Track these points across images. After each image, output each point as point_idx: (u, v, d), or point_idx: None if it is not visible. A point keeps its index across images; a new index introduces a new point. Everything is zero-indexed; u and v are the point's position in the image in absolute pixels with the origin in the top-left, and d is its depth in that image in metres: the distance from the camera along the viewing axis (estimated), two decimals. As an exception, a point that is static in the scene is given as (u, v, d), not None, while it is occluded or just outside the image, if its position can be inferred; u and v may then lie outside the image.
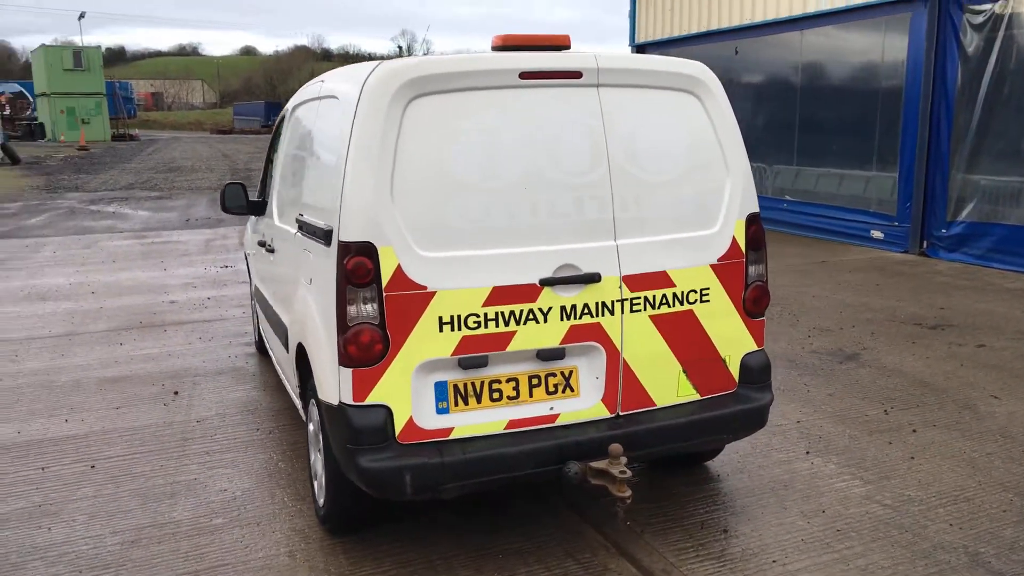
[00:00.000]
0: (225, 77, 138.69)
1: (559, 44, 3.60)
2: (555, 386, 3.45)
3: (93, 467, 4.53)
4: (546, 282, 3.34)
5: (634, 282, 3.49)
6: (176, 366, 6.35)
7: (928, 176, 10.83)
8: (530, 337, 3.35)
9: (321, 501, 3.79)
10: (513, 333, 3.32)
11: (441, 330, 3.24)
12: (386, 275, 3.17)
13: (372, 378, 3.20)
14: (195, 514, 3.98)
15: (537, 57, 3.42)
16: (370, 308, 3.18)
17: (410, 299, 3.20)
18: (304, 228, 3.81)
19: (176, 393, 5.71)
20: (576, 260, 3.39)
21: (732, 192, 3.72)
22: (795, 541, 3.67)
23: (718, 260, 3.68)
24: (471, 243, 3.28)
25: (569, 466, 3.30)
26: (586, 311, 3.42)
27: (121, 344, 6.99)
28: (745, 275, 3.76)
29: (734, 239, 3.72)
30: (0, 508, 4.07)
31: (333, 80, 3.96)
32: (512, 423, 3.37)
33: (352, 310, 3.17)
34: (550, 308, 3.36)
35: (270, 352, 5.48)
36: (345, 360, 3.19)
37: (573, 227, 3.42)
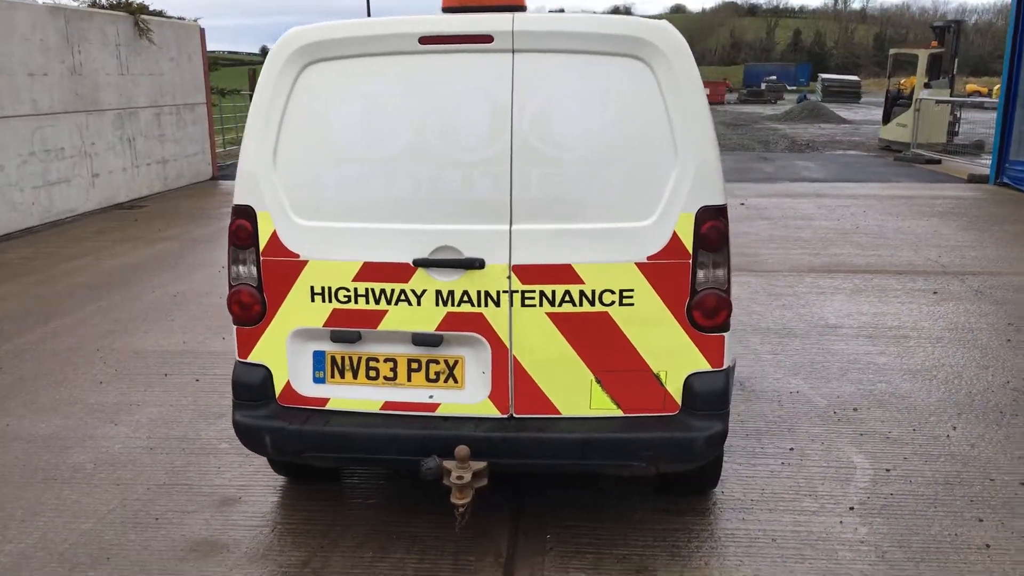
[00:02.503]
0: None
1: (516, 5, 3.27)
2: (436, 374, 3.24)
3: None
4: (420, 263, 3.13)
5: (527, 273, 3.10)
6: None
7: None
8: (403, 319, 3.18)
9: None
10: (384, 312, 3.18)
11: (313, 300, 3.23)
12: (263, 240, 3.23)
13: (253, 338, 3.31)
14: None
15: (441, 20, 3.16)
16: (250, 270, 3.27)
17: (284, 265, 3.23)
18: None
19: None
20: (457, 242, 3.12)
21: (679, 180, 3.08)
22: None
23: (648, 258, 3.10)
24: (347, 215, 3.19)
25: (426, 461, 3.10)
26: (466, 299, 3.14)
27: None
28: (691, 279, 3.12)
29: (675, 235, 3.09)
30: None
31: None
32: (388, 404, 3.25)
33: (235, 270, 3.30)
34: (424, 291, 3.15)
35: None
36: (232, 318, 3.34)
37: (459, 206, 3.13)
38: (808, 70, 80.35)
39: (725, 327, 3.18)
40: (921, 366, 5.43)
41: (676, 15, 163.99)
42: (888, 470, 4.03)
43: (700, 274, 3.12)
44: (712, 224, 3.10)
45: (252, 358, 3.33)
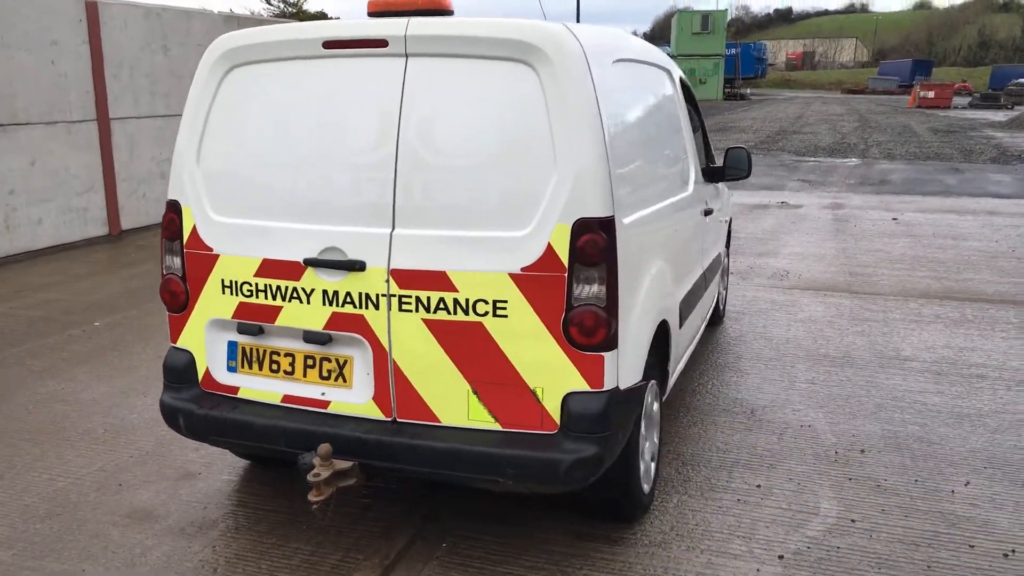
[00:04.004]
0: (883, 33, 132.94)
1: (439, 8, 3.29)
2: (328, 372, 3.30)
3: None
4: (309, 262, 3.21)
5: (404, 278, 3.10)
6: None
7: None
8: (295, 316, 3.27)
9: None
10: (280, 308, 3.30)
11: (223, 292, 3.40)
12: (186, 233, 3.45)
13: (180, 324, 3.55)
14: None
15: (344, 25, 3.22)
16: (177, 261, 3.50)
17: (201, 258, 3.43)
18: None
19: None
20: (343, 244, 3.17)
21: (557, 190, 2.95)
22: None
23: (522, 269, 2.99)
24: (252, 213, 3.33)
25: (303, 456, 3.19)
26: (348, 300, 3.18)
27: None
28: (567, 294, 2.97)
29: (550, 247, 2.96)
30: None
31: None
32: (287, 398, 3.37)
33: (167, 260, 3.54)
34: (312, 290, 3.23)
35: None
36: (165, 305, 3.59)
37: (348, 209, 3.18)
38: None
39: (605, 347, 3.00)
40: (976, 411, 4.79)
41: (918, 11, 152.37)
42: (854, 520, 3.61)
43: (576, 289, 2.97)
44: (590, 237, 2.94)
45: (180, 343, 3.56)
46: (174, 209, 3.48)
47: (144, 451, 4.38)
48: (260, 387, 3.42)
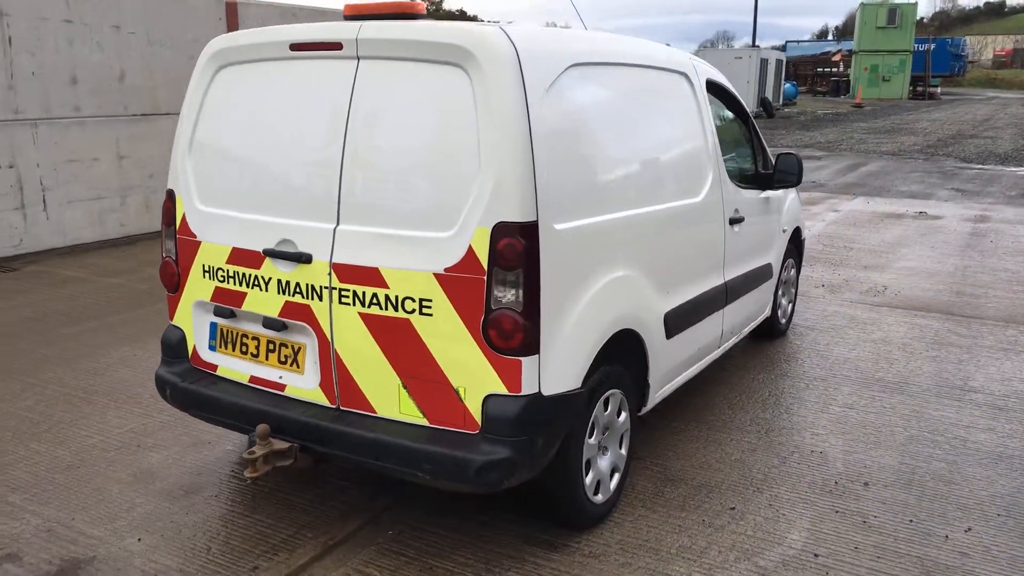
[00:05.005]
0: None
1: (409, 12, 3.39)
2: (285, 357, 3.49)
3: None
4: (268, 253, 3.40)
5: (343, 272, 3.22)
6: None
7: None
8: (256, 302, 3.48)
9: None
10: (245, 294, 3.51)
11: (204, 276, 3.66)
12: (178, 220, 3.74)
13: (174, 303, 3.85)
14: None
15: (309, 28, 3.37)
16: (171, 245, 3.80)
17: (189, 244, 3.71)
18: None
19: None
20: (296, 237, 3.33)
21: (480, 193, 2.97)
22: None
23: (445, 270, 3.04)
24: (227, 204, 3.57)
25: (252, 435, 3.40)
26: (298, 290, 3.35)
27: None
28: (487, 297, 2.99)
29: (471, 249, 2.99)
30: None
31: None
32: (253, 379, 3.59)
33: (165, 244, 3.85)
34: (270, 279, 3.42)
35: None
36: (163, 285, 3.91)
37: (302, 204, 3.34)
38: None
39: (524, 351, 3.00)
40: (1021, 454, 4.32)
41: None
42: (817, 555, 3.39)
43: (496, 292, 2.99)
44: (508, 241, 2.95)
45: (175, 321, 3.87)
46: (171, 197, 3.78)
47: (175, 417, 4.76)
48: (233, 367, 3.66)
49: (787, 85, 42.31)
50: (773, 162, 5.41)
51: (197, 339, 3.77)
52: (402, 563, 3.35)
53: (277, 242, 3.38)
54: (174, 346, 3.85)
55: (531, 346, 3.02)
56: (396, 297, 3.13)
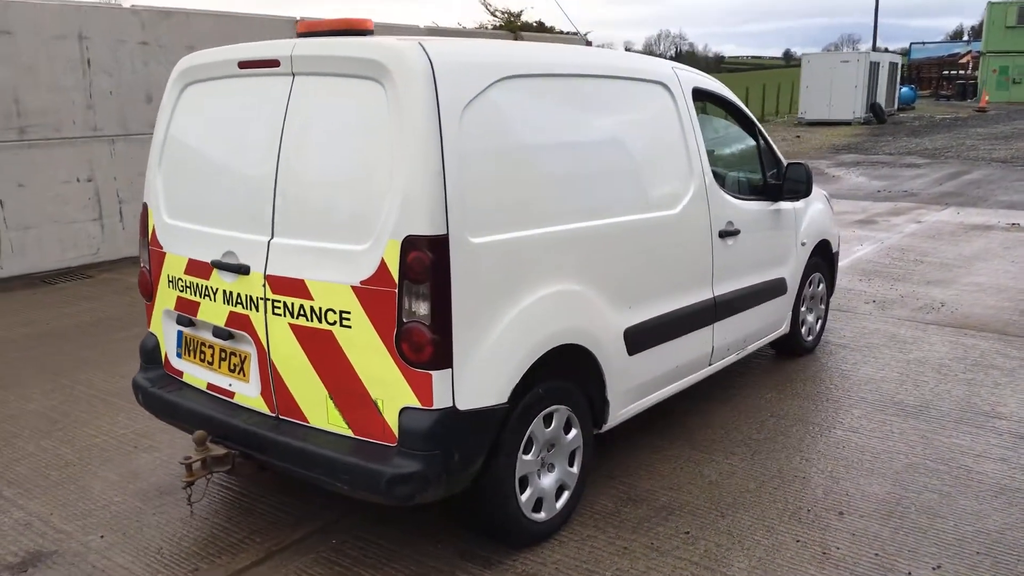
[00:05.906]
0: None
1: (358, 29, 3.46)
2: (234, 365, 3.59)
3: None
4: (215, 264, 3.52)
5: (275, 284, 3.30)
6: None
7: None
8: (207, 312, 3.60)
9: None
10: (199, 304, 3.64)
11: (169, 286, 3.82)
12: (150, 232, 3.92)
13: (150, 312, 4.03)
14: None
15: (250, 47, 3.48)
16: (146, 256, 3.98)
17: (158, 255, 3.88)
18: None
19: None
20: (237, 249, 3.44)
21: (391, 206, 2.99)
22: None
23: (361, 283, 3.06)
24: (187, 217, 3.72)
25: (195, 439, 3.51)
26: (239, 301, 3.44)
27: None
28: (398, 310, 3.00)
29: (383, 263, 3.01)
30: None
31: None
32: (210, 386, 3.72)
33: (142, 255, 4.04)
34: (217, 289, 3.53)
35: None
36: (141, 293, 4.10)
37: (243, 217, 3.44)
38: None
39: (434, 365, 3.00)
40: (1028, 487, 3.98)
41: None
42: (758, 588, 3.22)
43: (408, 305, 2.99)
44: (416, 255, 2.95)
45: (151, 328, 4.05)
46: (145, 210, 3.96)
47: (177, 421, 4.97)
48: (195, 374, 3.79)
49: (904, 89, 40.33)
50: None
51: (167, 346, 3.94)
52: (334, 573, 3.38)
53: (223, 254, 3.49)
54: (150, 352, 4.03)
55: (442, 360, 3.00)
56: (320, 309, 3.18)
